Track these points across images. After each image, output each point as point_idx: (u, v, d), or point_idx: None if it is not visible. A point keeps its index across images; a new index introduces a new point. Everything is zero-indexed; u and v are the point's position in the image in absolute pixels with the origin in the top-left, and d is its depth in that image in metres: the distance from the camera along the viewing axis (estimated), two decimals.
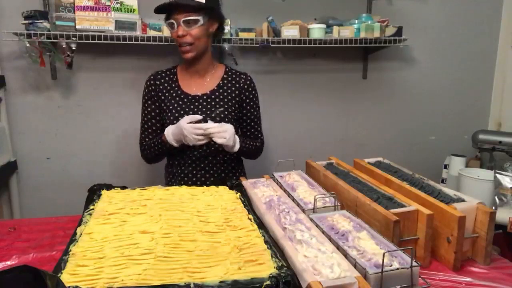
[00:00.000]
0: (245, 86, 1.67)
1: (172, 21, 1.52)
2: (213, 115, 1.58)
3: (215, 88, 1.65)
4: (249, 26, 2.07)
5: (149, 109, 1.67)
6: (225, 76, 1.68)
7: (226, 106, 1.62)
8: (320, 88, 2.43)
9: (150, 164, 1.78)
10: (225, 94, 1.65)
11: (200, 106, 1.62)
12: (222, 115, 1.59)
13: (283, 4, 2.22)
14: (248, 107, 1.69)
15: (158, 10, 1.54)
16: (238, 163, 1.74)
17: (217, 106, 1.62)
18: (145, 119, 1.68)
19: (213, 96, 1.63)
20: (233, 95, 1.65)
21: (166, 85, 1.67)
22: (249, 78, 1.70)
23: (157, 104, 1.66)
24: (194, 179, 1.64)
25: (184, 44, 1.53)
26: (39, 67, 1.92)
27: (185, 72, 1.68)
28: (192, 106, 1.62)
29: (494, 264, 1.08)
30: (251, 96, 1.68)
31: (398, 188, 1.22)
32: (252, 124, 1.71)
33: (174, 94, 1.65)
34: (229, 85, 1.66)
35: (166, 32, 1.93)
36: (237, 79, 1.68)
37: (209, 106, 1.62)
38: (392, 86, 2.54)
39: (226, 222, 1.07)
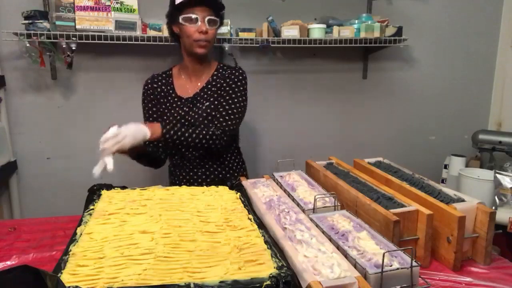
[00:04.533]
0: (229, 75, 1.61)
1: (195, 16, 1.50)
2: (199, 111, 1.58)
3: (204, 85, 1.62)
4: (249, 26, 2.07)
5: (150, 112, 1.67)
6: (215, 72, 1.65)
7: (212, 99, 1.59)
8: (320, 88, 2.43)
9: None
10: (213, 88, 1.61)
11: (191, 105, 1.61)
12: (209, 110, 1.58)
13: (283, 4, 2.22)
14: (222, 91, 1.59)
15: (184, 2, 1.49)
16: (240, 163, 1.74)
17: (204, 101, 1.59)
18: (147, 121, 1.66)
19: (202, 93, 1.61)
20: (219, 85, 1.61)
21: (163, 87, 1.65)
22: (237, 68, 1.64)
23: (157, 107, 1.66)
24: (195, 177, 1.65)
25: (203, 40, 1.53)
26: (39, 67, 1.92)
27: (182, 73, 1.66)
28: (185, 108, 1.61)
29: (494, 264, 1.08)
30: (230, 82, 1.59)
31: (398, 188, 1.22)
32: (219, 106, 1.57)
33: (169, 98, 1.64)
34: (217, 79, 1.62)
35: (166, 32, 1.93)
36: (224, 73, 1.63)
37: (198, 104, 1.60)
38: (392, 86, 2.54)
39: (226, 222, 1.07)
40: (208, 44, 1.55)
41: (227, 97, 1.57)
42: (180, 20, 1.52)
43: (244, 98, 1.61)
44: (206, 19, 1.51)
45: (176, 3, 1.50)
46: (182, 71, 1.67)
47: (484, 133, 2.32)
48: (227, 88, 1.59)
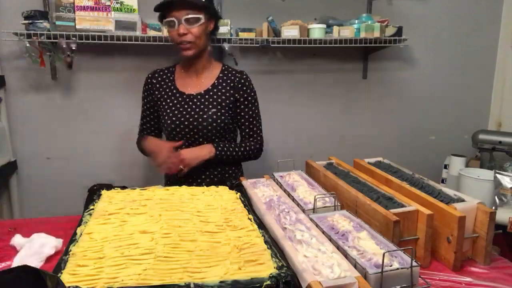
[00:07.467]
0: (239, 85, 1.63)
1: (172, 19, 1.49)
2: (205, 116, 1.58)
3: (210, 87, 1.63)
4: (249, 26, 2.07)
5: (147, 105, 1.71)
6: (220, 75, 1.65)
7: (219, 106, 1.60)
8: (320, 88, 2.43)
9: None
10: (219, 93, 1.62)
11: (194, 106, 1.61)
12: (215, 116, 1.59)
13: (283, 4, 2.22)
14: (243, 106, 1.65)
15: (160, 7, 1.52)
16: (236, 165, 1.73)
17: (210, 106, 1.60)
18: (144, 113, 1.73)
19: (207, 96, 1.62)
20: (227, 94, 1.62)
21: (162, 83, 1.67)
22: (244, 76, 1.66)
23: (153, 101, 1.68)
24: (190, 180, 1.63)
25: (184, 42, 1.51)
26: (39, 67, 1.92)
27: (183, 71, 1.67)
28: (186, 106, 1.61)
29: (494, 264, 1.08)
30: (245, 95, 1.64)
31: (398, 188, 1.22)
32: (247, 123, 1.67)
33: (170, 93, 1.64)
34: (224, 84, 1.63)
35: (166, 32, 1.93)
36: (232, 77, 1.64)
37: (202, 106, 1.60)
38: (392, 86, 2.54)
39: (226, 222, 1.07)
40: (192, 46, 1.53)
41: (250, 112, 1.67)
42: (164, 25, 1.58)
43: (258, 105, 1.71)
44: (183, 19, 1.48)
45: (154, 9, 1.54)
46: (184, 68, 1.68)
47: (484, 133, 2.32)
48: (246, 102, 1.65)
